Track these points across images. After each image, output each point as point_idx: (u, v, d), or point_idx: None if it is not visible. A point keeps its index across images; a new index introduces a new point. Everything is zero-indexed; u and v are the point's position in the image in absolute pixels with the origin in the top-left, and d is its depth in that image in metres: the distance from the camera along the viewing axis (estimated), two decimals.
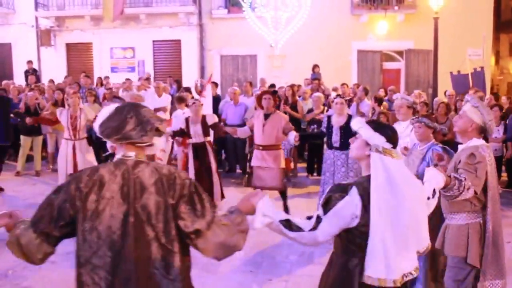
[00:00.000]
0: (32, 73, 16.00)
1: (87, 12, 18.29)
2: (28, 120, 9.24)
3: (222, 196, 7.85)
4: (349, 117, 6.66)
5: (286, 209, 7.35)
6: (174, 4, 17.99)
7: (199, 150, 7.78)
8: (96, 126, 2.40)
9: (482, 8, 16.69)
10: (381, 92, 12.37)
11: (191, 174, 7.62)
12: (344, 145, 6.53)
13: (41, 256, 2.28)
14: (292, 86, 11.36)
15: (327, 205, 2.56)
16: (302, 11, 15.20)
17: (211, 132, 8.09)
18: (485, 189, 3.62)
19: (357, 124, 2.72)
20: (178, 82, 14.47)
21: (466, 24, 16.33)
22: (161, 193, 2.25)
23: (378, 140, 2.59)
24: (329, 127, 6.80)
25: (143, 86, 12.26)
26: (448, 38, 15.39)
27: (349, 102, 10.85)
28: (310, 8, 15.14)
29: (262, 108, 7.38)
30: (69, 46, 19.22)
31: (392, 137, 2.63)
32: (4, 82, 13.46)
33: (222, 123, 9.22)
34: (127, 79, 13.40)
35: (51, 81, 14.22)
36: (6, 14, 18.85)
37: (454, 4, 15.46)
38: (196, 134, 7.78)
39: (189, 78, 16.10)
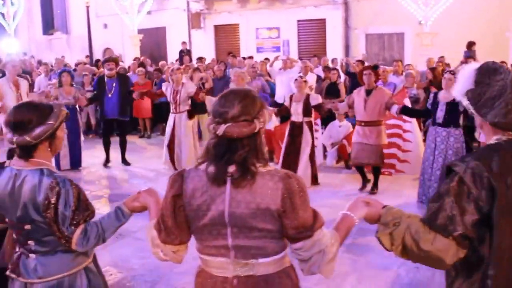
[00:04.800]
0: (186, 53, 16.89)
1: None
2: (134, 95, 9.18)
3: (314, 182, 7.69)
4: None
5: (375, 187, 7.40)
6: None
7: (296, 129, 7.66)
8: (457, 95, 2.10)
9: None
10: None
11: (282, 151, 7.79)
12: (448, 122, 6.52)
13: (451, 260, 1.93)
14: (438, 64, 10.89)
15: None
16: None
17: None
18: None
19: None
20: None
21: None
22: None
23: None
24: (435, 103, 6.69)
25: (289, 65, 12.33)
26: None
27: None
28: None
29: (363, 84, 7.38)
30: (217, 28, 20.08)
31: None
32: (161, 63, 14.41)
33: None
34: (266, 59, 14.03)
35: (199, 59, 14.79)
36: (161, 0, 20.08)
37: None
38: (296, 113, 7.67)
39: (334, 57, 15.89)
